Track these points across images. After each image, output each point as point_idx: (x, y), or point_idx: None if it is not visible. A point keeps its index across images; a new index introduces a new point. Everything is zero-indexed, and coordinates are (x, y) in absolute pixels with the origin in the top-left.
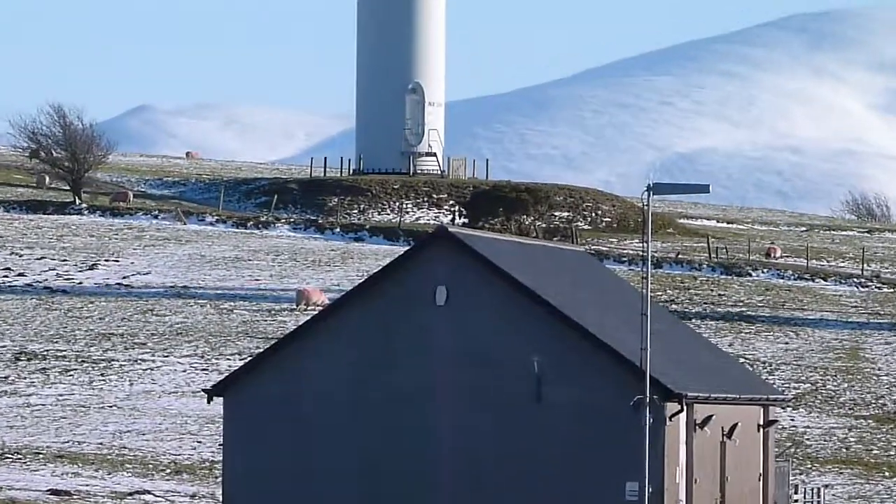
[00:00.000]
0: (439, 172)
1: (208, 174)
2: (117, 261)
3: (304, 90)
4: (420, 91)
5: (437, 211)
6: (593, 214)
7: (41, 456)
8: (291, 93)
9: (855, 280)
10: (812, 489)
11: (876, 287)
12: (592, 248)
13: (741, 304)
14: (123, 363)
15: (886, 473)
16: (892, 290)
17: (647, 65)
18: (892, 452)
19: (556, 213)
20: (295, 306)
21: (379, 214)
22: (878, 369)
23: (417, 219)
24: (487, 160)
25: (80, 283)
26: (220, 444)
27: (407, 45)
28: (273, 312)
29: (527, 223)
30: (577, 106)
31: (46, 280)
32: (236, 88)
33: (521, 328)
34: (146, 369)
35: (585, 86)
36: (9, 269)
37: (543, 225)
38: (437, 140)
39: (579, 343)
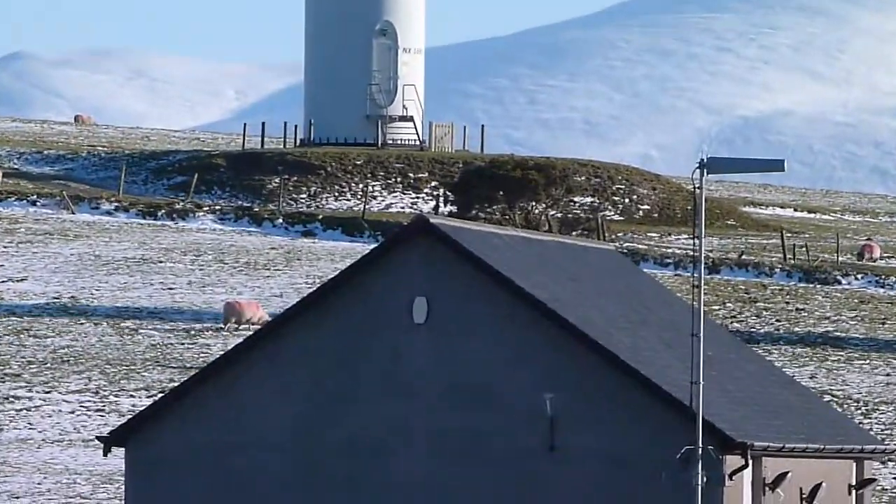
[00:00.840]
0: (417, 144)
1: (105, 146)
2: None
3: (234, 33)
4: (392, 34)
5: (414, 196)
6: (626, 200)
7: None
8: (216, 37)
9: None
10: None
11: None
12: (625, 245)
13: (827, 321)
14: None
15: None
16: None
17: None
18: None
19: (577, 199)
20: (222, 325)
21: (336, 200)
22: None
23: (388, 206)
24: (483, 127)
25: None
26: None
27: None
28: (193, 333)
29: (536, 212)
30: (604, 53)
31: None
32: (142, 31)
33: (529, 355)
34: (21, 410)
35: (614, 26)
36: None
37: (559, 215)
38: (414, 100)
39: (606, 374)
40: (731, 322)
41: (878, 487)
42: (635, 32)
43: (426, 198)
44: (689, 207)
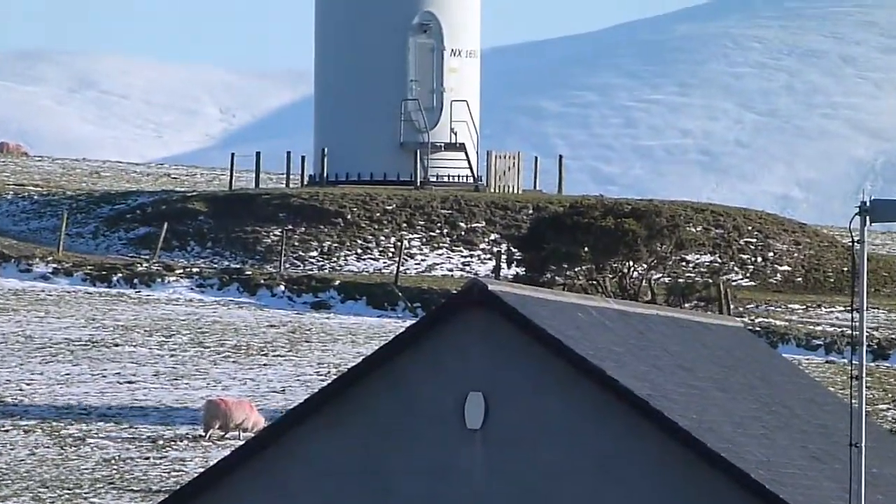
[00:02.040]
0: (471, 181)
1: (38, 185)
2: None
3: (217, 29)
4: (436, 31)
5: (467, 253)
6: (759, 259)
7: None
8: (193, 34)
9: None
10: None
11: None
12: (757, 321)
13: None
14: None
15: None
16: None
17: None
18: None
19: (691, 258)
20: (202, 432)
21: (359, 260)
22: None
23: (430, 268)
24: (561, 158)
25: None
26: None
27: None
28: (161, 444)
29: (635, 275)
30: (728, 57)
31: None
32: (89, 27)
33: (623, 469)
34: None
35: (742, 20)
36: None
37: (667, 279)
38: (466, 121)
39: (731, 497)
40: None
41: None
42: (772, 27)
43: (483, 256)
44: (845, 269)
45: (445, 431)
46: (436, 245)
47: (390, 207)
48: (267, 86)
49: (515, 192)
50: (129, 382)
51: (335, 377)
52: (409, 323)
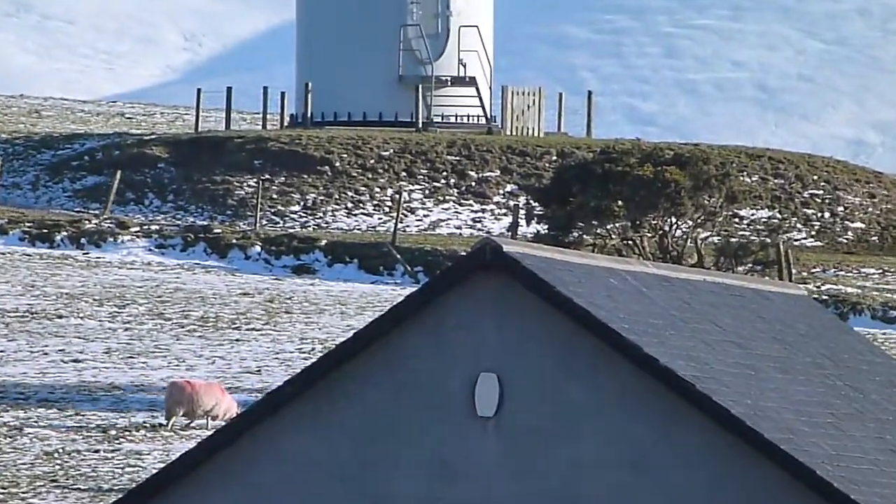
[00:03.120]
0: (483, 123)
1: None
2: None
3: None
4: None
5: (478, 208)
6: (826, 215)
7: None
8: None
9: None
10: None
11: None
12: (825, 288)
13: None
14: None
15: None
16: None
17: None
18: None
19: (745, 212)
20: (164, 421)
21: (349, 216)
22: None
23: (434, 225)
24: (590, 94)
25: None
26: None
27: None
28: (114, 435)
29: (679, 234)
30: None
31: None
32: None
33: (664, 462)
34: None
35: None
36: None
37: (717, 238)
38: (477, 51)
39: (792, 495)
40: None
41: None
42: None
43: (497, 211)
44: None
45: (452, 420)
46: (441, 198)
47: (386, 153)
48: (239, 8)
49: (536, 134)
50: (76, 361)
51: (321, 355)
52: (408, 291)
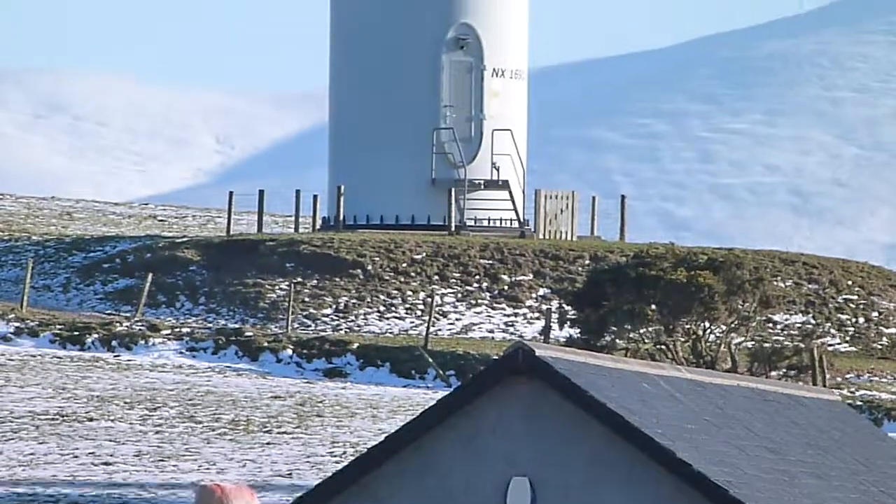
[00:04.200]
0: (517, 227)
1: None
2: None
3: (213, 44)
4: (474, 47)
5: (511, 312)
6: (861, 320)
7: None
8: (184, 49)
9: None
10: None
11: None
12: (860, 394)
13: None
14: None
15: None
16: None
17: None
18: None
19: (779, 317)
20: None
21: (381, 319)
22: None
23: (467, 329)
24: (623, 199)
25: None
26: None
27: None
28: None
29: (712, 338)
30: (825, 77)
31: None
32: (58, 41)
33: None
34: None
35: (837, 33)
36: None
37: (751, 343)
38: (510, 154)
39: None
40: None
41: None
42: (878, 44)
43: (530, 315)
44: None
45: None
46: (473, 301)
47: (419, 257)
48: (272, 111)
49: (569, 238)
50: (106, 464)
51: (352, 459)
52: (440, 394)
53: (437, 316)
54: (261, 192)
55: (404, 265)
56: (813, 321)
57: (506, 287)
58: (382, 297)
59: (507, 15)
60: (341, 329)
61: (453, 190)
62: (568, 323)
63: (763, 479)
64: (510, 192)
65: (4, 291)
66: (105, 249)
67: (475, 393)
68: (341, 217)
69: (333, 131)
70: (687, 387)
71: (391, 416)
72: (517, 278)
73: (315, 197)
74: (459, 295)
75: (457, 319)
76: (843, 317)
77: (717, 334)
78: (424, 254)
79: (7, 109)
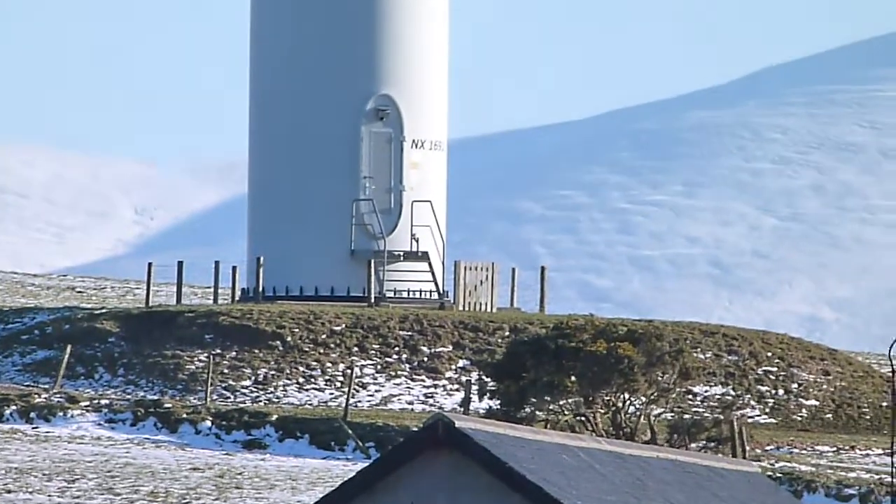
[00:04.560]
0: (436, 298)
1: None
2: None
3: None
4: (394, 117)
5: (431, 383)
6: (780, 392)
7: None
8: (102, 117)
9: None
10: None
11: None
12: (778, 466)
13: None
14: None
15: None
16: None
17: None
18: None
19: (698, 388)
20: None
21: (300, 391)
22: None
23: (386, 399)
24: (543, 269)
25: None
26: None
27: (365, 12)
28: None
29: (632, 410)
30: (744, 148)
31: None
32: None
33: None
34: None
35: (760, 104)
36: None
37: (669, 415)
38: (430, 226)
39: None
40: None
41: None
42: (797, 115)
43: (450, 387)
44: (884, 404)
45: None
46: (393, 373)
47: (339, 328)
48: (191, 182)
49: (489, 310)
50: None
51: None
52: (360, 466)
53: (356, 387)
54: (180, 264)
55: (324, 336)
56: (733, 393)
57: (425, 359)
58: (302, 368)
59: (427, 86)
60: (261, 400)
61: (373, 261)
62: (488, 395)
63: None
64: (430, 264)
65: None
66: (24, 321)
67: (395, 465)
68: (261, 288)
69: (252, 202)
70: (607, 458)
71: (311, 487)
72: (437, 350)
73: (234, 268)
74: (379, 366)
75: (376, 391)
76: (763, 388)
77: (637, 406)
78: (344, 325)
79: None
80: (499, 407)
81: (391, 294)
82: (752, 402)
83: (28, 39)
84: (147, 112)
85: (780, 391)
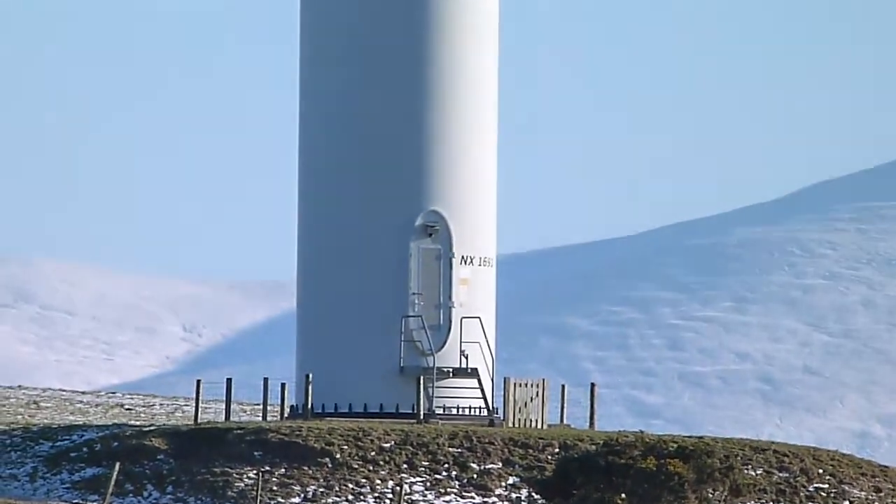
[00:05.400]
0: (485, 415)
1: None
2: None
3: (181, 233)
4: (443, 234)
5: (479, 499)
6: None
7: None
8: (151, 237)
9: None
10: None
11: None
12: None
13: None
14: None
15: None
16: None
17: None
18: None
19: None
20: None
21: None
22: None
23: None
24: (593, 386)
25: None
26: None
27: (414, 130)
28: None
29: None
30: (793, 264)
31: None
32: (23, 227)
33: None
34: None
35: (810, 219)
36: None
37: None
38: (479, 342)
39: None
40: None
41: None
42: (847, 231)
43: (501, 503)
44: None
45: None
46: (442, 490)
47: (388, 445)
48: (239, 300)
49: (538, 427)
50: None
51: None
52: None
53: (406, 503)
54: (228, 381)
55: (373, 453)
56: None
57: (475, 476)
58: (351, 485)
59: (477, 202)
60: None
61: (422, 378)
62: None
63: None
64: (479, 380)
65: None
66: (72, 438)
67: None
68: (309, 405)
69: (301, 319)
70: None
71: None
72: (486, 467)
73: (283, 385)
74: (428, 483)
75: None
76: None
77: None
78: (393, 442)
79: None
80: None
81: (440, 411)
82: None
83: (74, 161)
84: (193, 231)
85: None
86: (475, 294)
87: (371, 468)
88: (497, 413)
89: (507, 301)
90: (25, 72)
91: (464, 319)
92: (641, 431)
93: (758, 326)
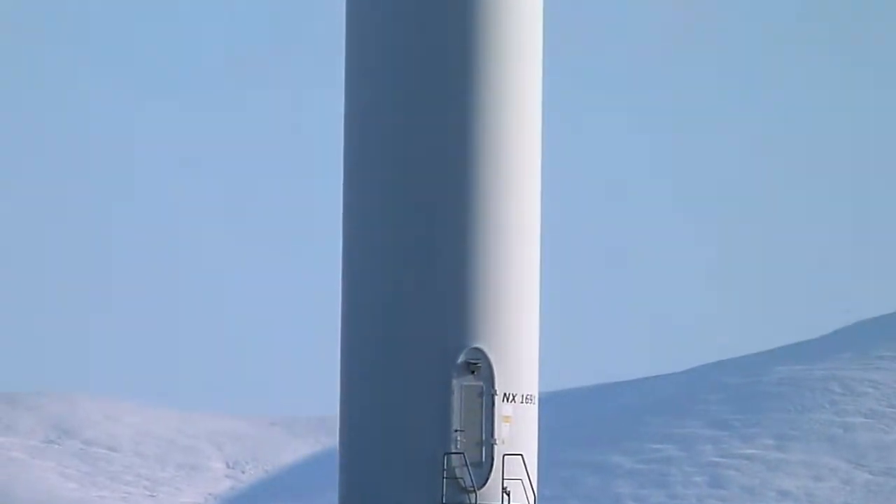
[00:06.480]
0: None
1: None
2: None
3: (222, 368)
4: (486, 371)
5: None
6: None
7: None
8: (193, 373)
9: None
10: None
11: None
12: None
13: None
14: None
15: None
16: None
17: None
18: None
19: None
20: None
21: None
22: None
23: None
24: None
25: None
26: None
27: (457, 260)
28: None
29: None
30: (834, 402)
31: None
32: (65, 363)
33: None
34: None
35: (847, 359)
36: None
37: None
38: (521, 479)
39: None
40: None
41: None
42: (889, 370)
43: None
44: None
45: None
46: None
47: None
48: (282, 436)
49: None
50: None
51: None
52: None
53: None
54: None
55: None
56: None
57: None
58: None
59: (519, 340)
60: None
61: None
62: None
63: None
64: None
65: None
66: None
67: None
68: None
69: (344, 456)
70: None
71: None
72: None
73: None
74: None
75: None
76: None
77: None
78: None
79: (18, 434)
80: None
81: None
82: None
83: (110, 296)
84: (234, 367)
85: None
86: (517, 431)
87: None
88: None
89: (549, 438)
90: (66, 205)
91: (506, 456)
92: None
93: (799, 464)
